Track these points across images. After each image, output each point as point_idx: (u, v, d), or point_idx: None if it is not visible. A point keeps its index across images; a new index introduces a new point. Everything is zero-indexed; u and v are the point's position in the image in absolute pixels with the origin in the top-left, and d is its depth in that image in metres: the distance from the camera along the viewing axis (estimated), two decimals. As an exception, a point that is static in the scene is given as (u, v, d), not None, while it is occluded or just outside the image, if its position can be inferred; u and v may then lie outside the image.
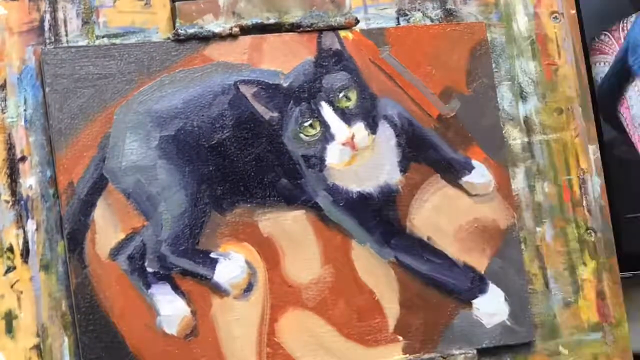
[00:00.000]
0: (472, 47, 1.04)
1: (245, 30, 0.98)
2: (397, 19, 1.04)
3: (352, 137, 0.98)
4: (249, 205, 0.96)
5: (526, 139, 1.05)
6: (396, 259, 0.99)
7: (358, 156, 0.99)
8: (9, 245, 0.91)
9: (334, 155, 0.98)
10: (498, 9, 1.07)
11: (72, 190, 0.92)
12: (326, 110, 0.98)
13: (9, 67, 0.92)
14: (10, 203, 0.91)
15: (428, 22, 1.05)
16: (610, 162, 1.15)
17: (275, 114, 0.97)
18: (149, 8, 0.97)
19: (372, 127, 0.99)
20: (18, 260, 0.91)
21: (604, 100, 1.18)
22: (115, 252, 0.92)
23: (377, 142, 1.00)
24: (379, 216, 0.99)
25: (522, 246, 1.03)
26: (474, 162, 1.02)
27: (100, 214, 0.92)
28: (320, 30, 1.00)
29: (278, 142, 0.97)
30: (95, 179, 0.93)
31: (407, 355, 0.99)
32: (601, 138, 1.13)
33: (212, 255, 0.95)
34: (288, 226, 0.97)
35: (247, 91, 0.97)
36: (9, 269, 0.91)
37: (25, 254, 0.91)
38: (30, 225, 0.91)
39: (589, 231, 1.06)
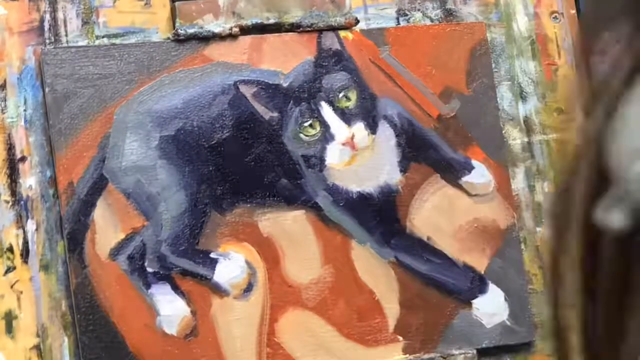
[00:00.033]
0: (472, 47, 1.04)
1: (245, 31, 0.98)
2: (397, 19, 1.04)
3: (352, 137, 0.98)
4: (249, 205, 0.96)
5: (526, 139, 1.05)
6: (396, 259, 0.99)
7: (358, 156, 0.99)
8: (9, 246, 0.91)
9: (334, 155, 0.98)
10: (498, 9, 1.07)
11: (72, 190, 0.92)
12: (326, 110, 0.98)
13: (9, 67, 0.92)
14: (10, 203, 0.91)
15: (428, 22, 1.05)
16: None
17: (275, 114, 0.97)
18: (148, 8, 0.97)
19: (372, 127, 0.99)
20: (18, 261, 0.91)
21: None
22: (115, 252, 0.92)
23: (377, 142, 1.00)
24: (379, 216, 0.99)
25: (522, 246, 1.03)
26: (474, 162, 1.02)
27: (100, 214, 0.92)
28: (320, 31, 1.00)
29: (278, 142, 0.97)
30: (95, 179, 0.92)
31: (407, 355, 0.99)
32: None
33: (212, 255, 0.95)
34: (288, 226, 0.97)
35: (247, 91, 0.97)
36: (9, 269, 0.91)
37: (25, 254, 0.91)
38: (30, 226, 0.91)
39: (588, 231, 1.05)
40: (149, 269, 0.93)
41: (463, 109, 1.02)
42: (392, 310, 0.99)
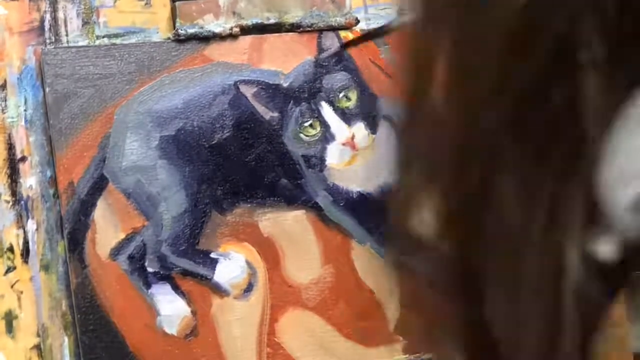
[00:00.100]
0: (472, 47, 1.04)
1: (246, 30, 0.98)
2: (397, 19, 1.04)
3: (352, 137, 0.98)
4: (249, 205, 0.96)
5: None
6: (396, 259, 0.99)
7: (358, 156, 0.99)
8: (9, 245, 0.91)
9: (334, 155, 0.98)
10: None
11: (72, 190, 0.92)
12: (326, 110, 0.98)
13: (9, 67, 0.92)
14: (11, 203, 0.91)
15: (428, 22, 1.04)
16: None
17: (276, 114, 0.97)
18: (149, 8, 0.97)
19: (372, 127, 0.99)
20: (18, 260, 0.91)
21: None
22: (115, 252, 0.92)
23: (378, 142, 1.00)
24: (379, 216, 0.99)
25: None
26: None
27: (101, 214, 0.92)
28: (320, 31, 1.00)
29: (278, 142, 0.97)
30: (96, 179, 0.92)
31: (407, 355, 0.99)
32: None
33: (213, 255, 0.95)
34: (288, 226, 0.97)
35: (247, 91, 0.97)
36: (9, 269, 0.91)
37: (26, 254, 0.91)
38: (31, 225, 0.91)
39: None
40: (149, 269, 0.93)
41: (463, 109, 1.02)
42: (392, 310, 0.99)
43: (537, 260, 0.36)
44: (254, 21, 0.99)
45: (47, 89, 0.92)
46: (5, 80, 0.92)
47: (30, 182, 0.92)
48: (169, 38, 0.97)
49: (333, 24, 1.00)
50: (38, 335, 0.91)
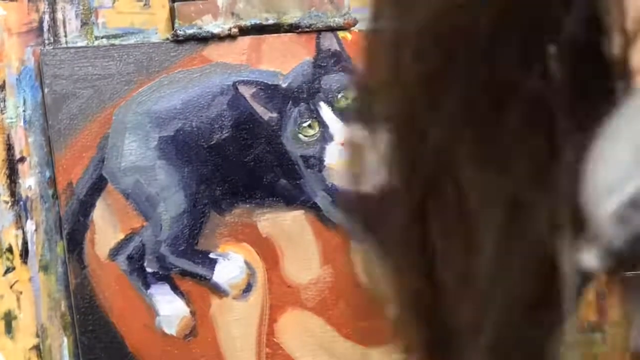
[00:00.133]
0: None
1: (244, 31, 0.98)
2: (396, 19, 1.04)
3: (351, 138, 0.98)
4: (248, 205, 0.96)
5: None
6: (395, 259, 0.99)
7: (357, 156, 0.99)
8: (8, 246, 0.91)
9: (332, 156, 0.98)
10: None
11: (71, 190, 0.92)
12: (325, 111, 0.98)
13: (8, 68, 0.92)
14: (10, 203, 0.91)
15: (427, 23, 1.05)
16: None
17: (274, 115, 0.97)
18: (148, 9, 0.97)
19: (371, 128, 0.99)
20: (17, 261, 0.91)
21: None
22: (114, 253, 0.92)
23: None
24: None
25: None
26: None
27: (100, 214, 0.92)
28: (319, 31, 1.00)
29: (277, 142, 0.97)
30: (95, 180, 0.92)
31: (407, 355, 0.98)
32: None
33: (211, 255, 0.95)
34: (287, 226, 0.97)
35: (246, 92, 0.97)
36: (8, 270, 0.91)
37: (25, 254, 0.91)
38: (30, 226, 0.91)
39: (588, 231, 1.05)
40: (149, 269, 0.93)
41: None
42: (392, 310, 0.98)
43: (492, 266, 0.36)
44: (253, 22, 0.99)
45: (46, 90, 0.92)
46: (4, 81, 0.92)
47: (29, 182, 0.92)
48: (167, 39, 0.97)
49: (331, 24, 1.00)
50: (37, 335, 0.91)
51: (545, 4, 0.34)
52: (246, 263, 0.95)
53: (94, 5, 0.96)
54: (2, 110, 0.92)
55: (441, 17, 0.36)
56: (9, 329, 0.90)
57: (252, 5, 0.99)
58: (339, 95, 0.99)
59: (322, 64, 0.99)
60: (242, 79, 0.97)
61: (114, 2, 0.96)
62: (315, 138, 0.98)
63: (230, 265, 0.95)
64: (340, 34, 1.01)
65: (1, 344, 0.90)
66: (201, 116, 0.96)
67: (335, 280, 0.97)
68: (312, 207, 0.97)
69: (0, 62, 0.92)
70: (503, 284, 0.36)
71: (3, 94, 0.92)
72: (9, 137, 0.92)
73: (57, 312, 0.91)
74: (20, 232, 0.91)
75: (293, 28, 1.00)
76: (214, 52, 0.97)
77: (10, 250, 0.91)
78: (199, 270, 0.94)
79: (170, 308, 0.93)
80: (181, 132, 0.95)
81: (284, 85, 0.98)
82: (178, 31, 0.96)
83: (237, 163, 0.96)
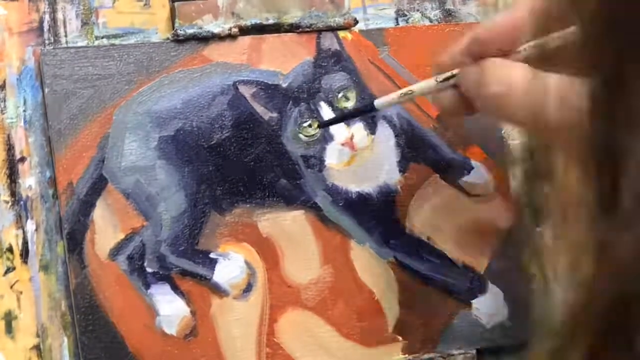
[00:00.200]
0: (471, 48, 1.04)
1: (245, 31, 0.98)
2: (396, 19, 1.04)
3: (351, 138, 0.98)
4: (248, 205, 0.96)
5: (526, 139, 1.05)
6: (395, 259, 0.99)
7: (357, 156, 0.99)
8: (9, 246, 0.91)
9: (333, 156, 0.98)
10: (497, 10, 1.07)
11: (71, 190, 0.92)
12: (325, 111, 0.98)
13: (9, 68, 0.93)
14: (10, 203, 0.91)
15: (427, 23, 1.05)
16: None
17: (275, 115, 0.97)
18: (148, 9, 0.97)
19: (371, 128, 0.99)
20: (17, 261, 0.91)
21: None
22: (114, 252, 0.92)
23: (376, 142, 1.00)
24: (378, 216, 0.99)
25: (522, 246, 1.03)
26: (474, 162, 1.02)
27: (100, 214, 0.92)
28: (319, 31, 1.00)
29: (277, 142, 0.97)
30: (95, 180, 0.93)
31: (407, 355, 0.99)
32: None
33: (212, 255, 0.95)
34: (287, 226, 0.97)
35: (246, 91, 0.97)
36: (9, 270, 0.91)
37: (25, 254, 0.91)
38: (30, 226, 0.91)
39: (588, 231, 1.05)
40: (149, 269, 0.93)
41: (462, 109, 1.02)
42: (391, 310, 0.99)
43: None
44: (253, 21, 0.99)
45: (46, 90, 0.92)
46: (4, 81, 0.92)
47: (29, 182, 0.92)
48: (168, 38, 0.97)
49: (332, 24, 1.00)
50: (37, 335, 0.91)
51: None
52: (246, 263, 0.95)
53: (94, 5, 0.96)
54: (2, 110, 0.92)
55: None
56: (9, 328, 0.90)
57: (253, 5, 0.99)
58: (339, 95, 0.99)
59: (323, 64, 0.99)
60: (242, 78, 0.97)
61: (114, 2, 0.96)
62: (316, 138, 0.98)
63: (231, 265, 0.95)
64: (341, 34, 1.01)
65: (1, 343, 0.90)
66: (201, 116, 0.96)
67: (336, 280, 0.97)
68: (313, 207, 0.97)
69: (1, 61, 0.93)
70: None
71: (3, 93, 0.92)
72: (9, 137, 0.92)
73: (58, 311, 0.91)
74: (20, 232, 0.91)
75: (293, 28, 1.00)
76: (214, 51, 0.97)
77: (10, 250, 0.91)
78: (200, 270, 0.94)
79: (170, 308, 0.93)
80: (181, 132, 0.95)
81: (284, 85, 0.98)
82: (178, 31, 0.96)
83: (238, 163, 0.96)
